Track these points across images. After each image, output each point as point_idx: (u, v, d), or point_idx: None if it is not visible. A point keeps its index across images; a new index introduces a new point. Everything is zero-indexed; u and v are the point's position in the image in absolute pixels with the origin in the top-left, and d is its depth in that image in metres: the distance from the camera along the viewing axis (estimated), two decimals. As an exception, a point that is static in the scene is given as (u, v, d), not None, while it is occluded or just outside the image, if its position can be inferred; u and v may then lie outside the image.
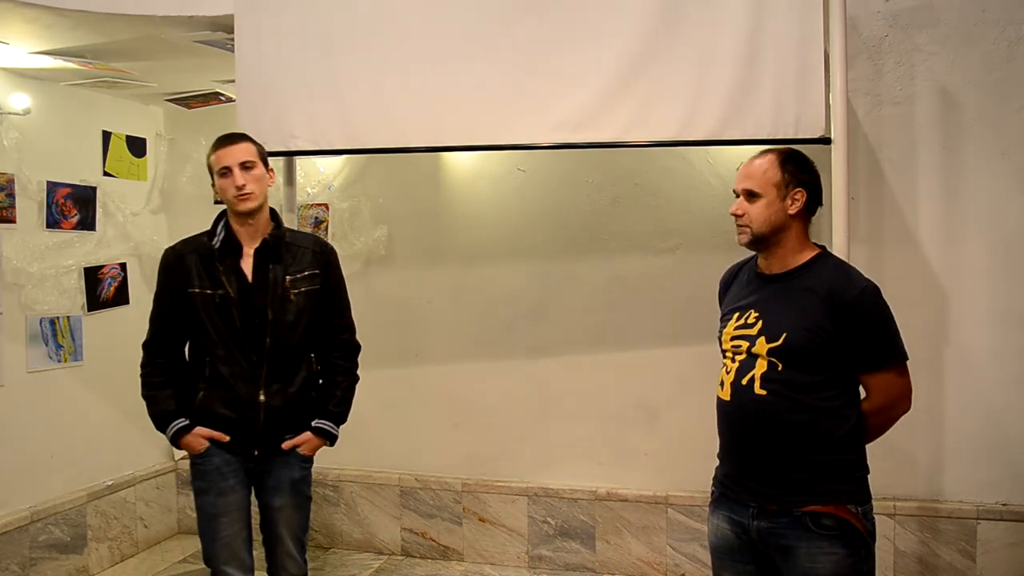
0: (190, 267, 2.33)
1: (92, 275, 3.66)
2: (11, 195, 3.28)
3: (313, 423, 2.43)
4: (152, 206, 4.03)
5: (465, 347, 3.70)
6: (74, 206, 3.58)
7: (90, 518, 3.57)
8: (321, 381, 2.50)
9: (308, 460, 2.45)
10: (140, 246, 3.90)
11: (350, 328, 2.53)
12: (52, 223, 3.47)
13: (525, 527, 3.62)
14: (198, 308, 2.31)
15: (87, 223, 3.65)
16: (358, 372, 2.54)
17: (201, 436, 2.32)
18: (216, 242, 2.34)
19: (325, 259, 2.45)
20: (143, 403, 2.40)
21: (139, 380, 2.41)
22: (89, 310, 3.64)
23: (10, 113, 3.25)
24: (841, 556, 1.79)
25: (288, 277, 2.36)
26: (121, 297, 3.81)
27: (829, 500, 1.80)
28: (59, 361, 3.49)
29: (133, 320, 3.86)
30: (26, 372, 3.34)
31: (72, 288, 3.55)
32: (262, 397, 2.32)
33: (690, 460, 3.34)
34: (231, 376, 2.31)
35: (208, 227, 2.41)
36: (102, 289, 3.72)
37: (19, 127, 3.30)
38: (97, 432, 3.67)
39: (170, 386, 2.37)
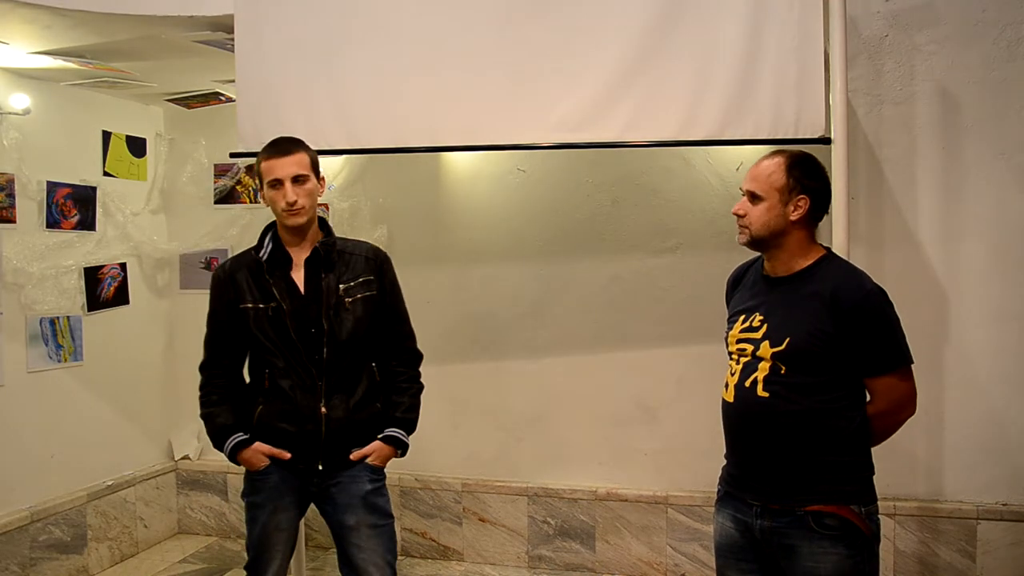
0: (240, 283, 2.27)
1: (92, 275, 3.66)
2: (11, 195, 3.28)
3: (383, 432, 2.34)
4: (152, 206, 4.03)
5: (465, 347, 3.70)
6: (74, 206, 3.58)
7: (90, 518, 3.57)
8: (386, 390, 2.41)
9: (379, 473, 2.33)
10: (140, 246, 3.90)
11: (411, 335, 2.46)
12: (52, 223, 3.47)
13: (525, 527, 3.62)
14: (251, 323, 2.25)
15: (87, 223, 3.65)
16: (422, 381, 2.46)
17: (261, 452, 2.24)
18: (264, 255, 2.27)
19: (379, 265, 2.37)
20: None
21: (199, 400, 2.35)
22: (89, 310, 3.64)
23: (10, 113, 3.25)
24: (843, 556, 1.79)
25: (342, 285, 2.28)
26: (121, 297, 3.81)
27: (832, 500, 1.80)
28: (59, 361, 3.49)
29: (133, 320, 3.87)
30: (26, 372, 3.34)
31: (72, 288, 3.55)
32: (324, 409, 2.24)
33: (690, 460, 3.35)
34: (291, 389, 2.24)
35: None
36: (102, 289, 3.72)
37: (19, 127, 3.30)
38: (97, 432, 3.67)
39: (226, 402, 2.31)
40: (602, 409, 3.53)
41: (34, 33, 2.82)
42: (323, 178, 2.37)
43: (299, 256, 2.30)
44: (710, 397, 2.02)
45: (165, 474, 4.03)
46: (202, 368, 2.36)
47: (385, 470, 2.37)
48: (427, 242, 3.73)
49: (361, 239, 2.51)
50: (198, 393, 2.36)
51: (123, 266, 3.82)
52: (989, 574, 3.04)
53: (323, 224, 2.37)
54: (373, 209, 3.78)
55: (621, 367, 3.50)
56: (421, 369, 2.47)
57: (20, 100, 3.27)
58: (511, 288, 3.63)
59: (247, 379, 2.37)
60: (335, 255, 2.31)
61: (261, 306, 2.26)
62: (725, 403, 1.96)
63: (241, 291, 2.27)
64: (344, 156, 3.69)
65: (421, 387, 2.45)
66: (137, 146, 3.97)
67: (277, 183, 2.23)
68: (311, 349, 2.24)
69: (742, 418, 1.91)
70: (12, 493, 3.27)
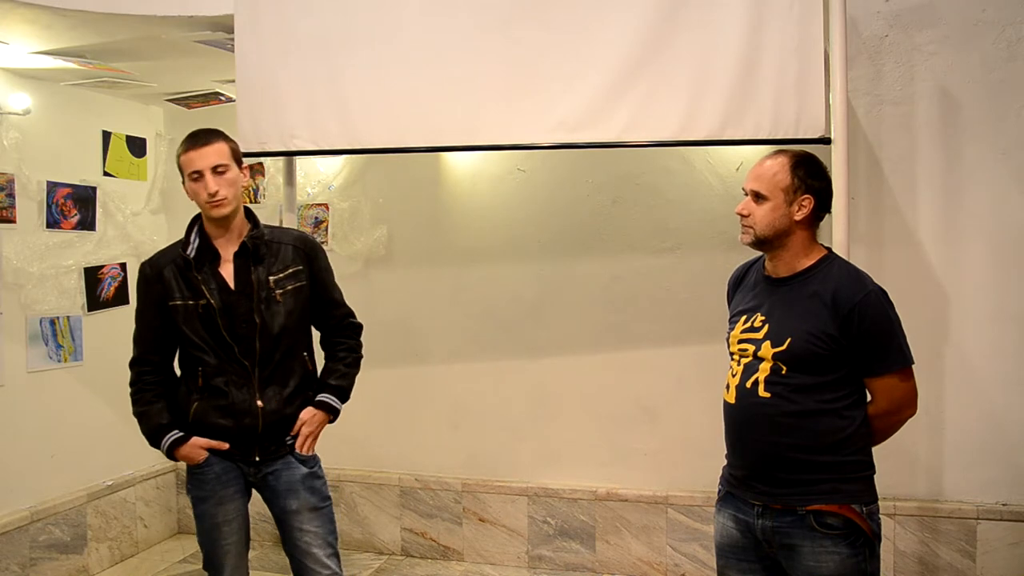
0: (169, 279, 2.26)
1: (92, 275, 3.66)
2: (11, 195, 3.28)
3: (315, 397, 2.34)
4: (152, 206, 4.03)
5: (465, 347, 3.70)
6: (74, 206, 3.58)
7: (90, 518, 3.57)
8: (326, 361, 2.44)
9: (313, 459, 2.36)
10: (140, 246, 3.89)
11: (348, 313, 2.47)
12: (52, 223, 3.47)
13: (525, 527, 3.62)
14: (181, 321, 2.24)
15: (87, 223, 3.65)
16: (362, 352, 2.48)
17: (198, 446, 2.25)
18: (191, 251, 2.26)
19: (306, 253, 2.35)
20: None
21: (129, 399, 2.33)
22: (89, 310, 3.64)
23: (10, 113, 3.25)
24: (845, 555, 1.80)
25: (272, 278, 2.27)
26: (121, 297, 3.81)
27: (833, 499, 1.80)
28: (59, 361, 3.49)
29: (133, 320, 3.86)
30: (26, 372, 3.34)
31: (72, 288, 3.55)
32: (259, 403, 2.25)
33: (690, 460, 3.35)
34: (225, 384, 2.24)
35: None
36: (102, 289, 3.72)
37: (19, 127, 3.30)
38: (97, 432, 3.67)
39: (161, 399, 2.29)
40: (602, 409, 3.53)
41: (34, 33, 2.82)
42: (245, 168, 2.34)
43: (227, 250, 2.28)
44: (710, 397, 2.02)
45: (165, 474, 4.03)
46: (132, 364, 2.33)
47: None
48: (427, 242, 3.74)
49: (290, 227, 2.49)
50: (129, 390, 2.32)
51: (123, 266, 3.82)
52: (989, 574, 3.03)
53: (249, 214, 2.35)
54: (373, 209, 3.78)
55: (621, 367, 3.50)
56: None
57: (20, 100, 3.27)
58: (511, 288, 3.63)
59: (178, 374, 2.35)
60: (263, 247, 2.29)
61: (191, 303, 2.24)
62: (726, 404, 1.96)
63: (169, 287, 2.25)
64: (344, 156, 3.70)
65: (359, 356, 2.47)
66: (137, 146, 3.97)
67: (197, 175, 2.23)
68: (244, 345, 2.24)
69: (743, 419, 1.91)
70: (12, 493, 3.27)
